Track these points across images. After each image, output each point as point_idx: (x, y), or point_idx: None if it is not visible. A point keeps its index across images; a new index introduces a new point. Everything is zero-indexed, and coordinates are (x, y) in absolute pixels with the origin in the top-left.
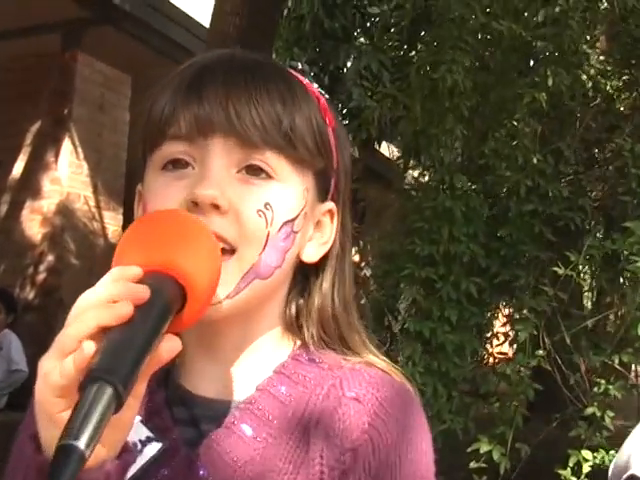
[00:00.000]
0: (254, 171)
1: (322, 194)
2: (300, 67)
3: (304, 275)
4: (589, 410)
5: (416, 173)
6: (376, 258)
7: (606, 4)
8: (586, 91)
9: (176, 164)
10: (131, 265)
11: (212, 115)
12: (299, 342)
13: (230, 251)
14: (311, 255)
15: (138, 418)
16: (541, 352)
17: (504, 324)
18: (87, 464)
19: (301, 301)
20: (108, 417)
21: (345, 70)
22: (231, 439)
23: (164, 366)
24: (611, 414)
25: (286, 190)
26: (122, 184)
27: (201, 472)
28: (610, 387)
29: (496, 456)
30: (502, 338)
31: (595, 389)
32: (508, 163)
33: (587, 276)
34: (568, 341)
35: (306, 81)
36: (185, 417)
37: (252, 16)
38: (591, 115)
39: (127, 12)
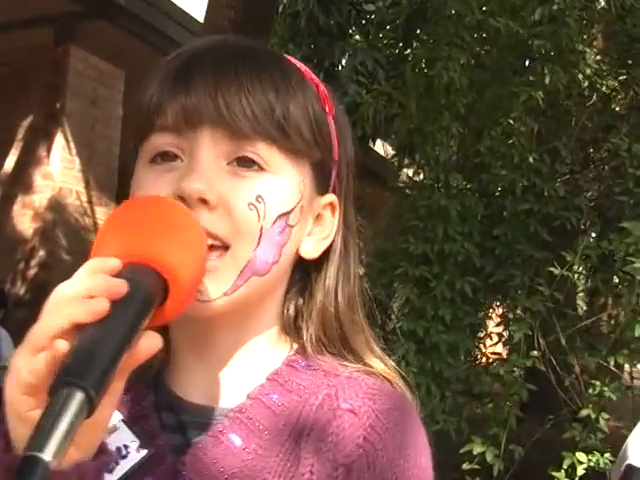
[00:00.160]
0: (245, 163)
1: (322, 186)
2: None
3: (304, 273)
4: (584, 412)
5: (411, 172)
6: (370, 256)
7: (603, 3)
8: (582, 90)
9: (164, 156)
10: (110, 256)
11: (200, 105)
12: (296, 345)
13: (223, 248)
14: (310, 250)
15: (122, 421)
16: (536, 353)
17: (498, 324)
18: (61, 466)
19: (300, 301)
20: (78, 424)
21: (340, 67)
22: (219, 449)
23: (152, 367)
24: (606, 416)
25: (279, 182)
26: (115, 179)
27: None
28: (605, 389)
29: (489, 457)
30: (496, 338)
31: (590, 390)
32: (504, 162)
33: (582, 276)
34: (563, 342)
35: (304, 68)
36: (173, 423)
37: (247, 10)
38: (587, 114)
39: (121, 6)
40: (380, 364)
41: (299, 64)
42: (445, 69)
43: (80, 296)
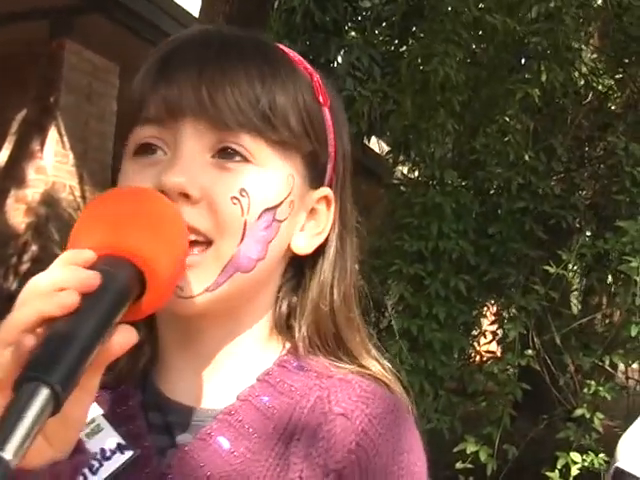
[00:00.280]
0: (228, 154)
1: (316, 179)
2: None
3: (299, 269)
4: (578, 411)
5: (405, 169)
6: (364, 253)
7: (600, 1)
8: (578, 88)
9: (147, 149)
10: (86, 247)
11: (181, 96)
12: (289, 345)
13: (206, 243)
14: (303, 246)
15: (107, 422)
16: (530, 352)
17: (492, 322)
18: (33, 464)
19: (294, 298)
20: (42, 422)
21: (335, 64)
22: (206, 452)
23: (139, 365)
24: (601, 416)
25: (265, 175)
26: (108, 175)
27: None
28: (600, 388)
29: (483, 457)
30: (490, 336)
31: (585, 390)
32: (499, 159)
33: (576, 275)
34: (558, 341)
35: (298, 57)
36: (160, 424)
37: (241, 5)
38: (583, 113)
39: (117, 1)
40: (376, 365)
41: (292, 53)
42: (441, 64)
43: (50, 289)
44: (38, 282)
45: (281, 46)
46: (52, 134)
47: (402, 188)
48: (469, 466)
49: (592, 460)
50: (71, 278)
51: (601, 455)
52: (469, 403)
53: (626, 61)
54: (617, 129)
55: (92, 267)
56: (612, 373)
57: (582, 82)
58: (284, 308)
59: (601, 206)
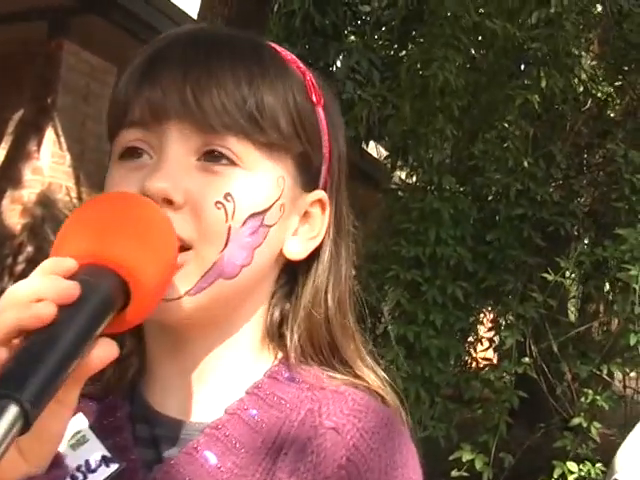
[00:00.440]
0: (213, 157)
1: (309, 182)
2: None
3: (292, 275)
4: (575, 420)
5: (403, 175)
6: (360, 258)
7: (600, 8)
8: (577, 95)
9: (133, 153)
10: (69, 255)
11: (165, 98)
12: (281, 354)
13: (187, 250)
14: (296, 251)
15: (93, 434)
16: (527, 359)
17: (489, 329)
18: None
19: (287, 305)
20: (9, 440)
21: (335, 68)
22: (192, 467)
23: (127, 376)
24: (598, 425)
25: (253, 178)
26: (105, 176)
27: None
28: (598, 397)
29: (479, 465)
30: (486, 343)
31: (582, 399)
32: (498, 165)
33: (574, 283)
34: (555, 349)
35: (290, 56)
36: (147, 436)
37: (240, 7)
38: (583, 120)
39: (115, 2)
40: (371, 374)
41: (285, 52)
42: (441, 69)
43: (27, 299)
44: (15, 292)
45: (273, 45)
46: (49, 135)
47: (400, 193)
48: (465, 474)
49: (589, 470)
50: (49, 288)
51: (598, 465)
52: (465, 410)
53: (625, 68)
54: (616, 136)
55: (74, 276)
56: (609, 382)
57: (581, 89)
58: (276, 316)
59: (600, 213)
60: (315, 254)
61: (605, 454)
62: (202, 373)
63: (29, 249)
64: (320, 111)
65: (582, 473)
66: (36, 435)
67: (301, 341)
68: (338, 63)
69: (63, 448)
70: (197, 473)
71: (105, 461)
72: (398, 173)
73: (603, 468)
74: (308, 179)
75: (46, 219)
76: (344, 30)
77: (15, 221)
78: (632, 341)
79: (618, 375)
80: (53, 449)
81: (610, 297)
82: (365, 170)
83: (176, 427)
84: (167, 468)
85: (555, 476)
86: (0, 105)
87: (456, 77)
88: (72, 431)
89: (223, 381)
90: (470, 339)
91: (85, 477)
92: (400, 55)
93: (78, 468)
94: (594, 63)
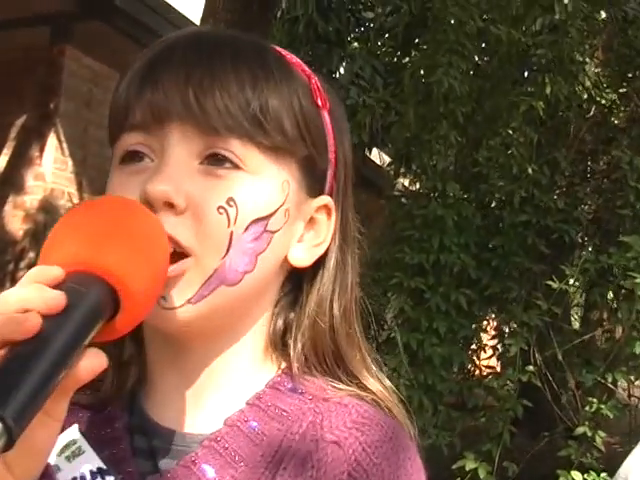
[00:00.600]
0: (217, 161)
1: (314, 187)
2: None
3: (298, 283)
4: (580, 429)
5: (407, 182)
6: (363, 266)
7: (604, 15)
8: (582, 102)
9: (134, 157)
10: (57, 262)
11: (167, 100)
12: (284, 364)
13: (187, 256)
14: (301, 258)
15: (90, 445)
16: (531, 368)
17: (493, 337)
18: None
19: (292, 314)
20: None
21: (338, 74)
22: None
23: (126, 386)
24: (602, 434)
25: (257, 183)
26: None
27: None
28: (602, 406)
29: (482, 474)
30: (490, 351)
31: (587, 408)
32: (502, 172)
33: (578, 291)
34: (560, 357)
35: (295, 60)
36: (145, 448)
37: (244, 14)
38: (587, 127)
39: (118, 7)
40: (376, 385)
41: (289, 55)
42: (446, 75)
43: (11, 310)
44: (1, 302)
45: (277, 48)
46: (51, 141)
47: (403, 200)
48: None
49: (594, 479)
50: (35, 298)
51: (603, 474)
52: (468, 418)
53: (630, 75)
54: (621, 143)
55: (61, 285)
56: (613, 390)
57: (585, 96)
58: (280, 324)
59: (604, 221)
60: (320, 261)
61: (609, 463)
62: (202, 383)
63: (31, 255)
64: (325, 115)
65: None
66: (23, 448)
67: (305, 350)
68: (341, 70)
69: (59, 460)
70: None
71: (101, 473)
72: (401, 180)
73: (608, 478)
74: (313, 184)
75: (48, 225)
76: (347, 36)
77: (17, 227)
78: (637, 349)
79: (622, 383)
80: (41, 462)
81: (614, 305)
82: (368, 177)
83: (174, 439)
84: None
85: None
86: (2, 111)
87: (460, 83)
88: (68, 442)
89: (224, 391)
90: (473, 347)
91: None
92: (403, 62)
93: None
94: (598, 70)
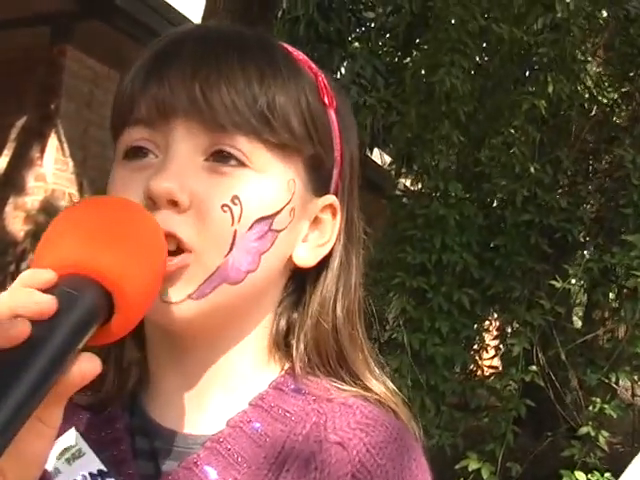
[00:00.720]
0: (222, 158)
1: (320, 186)
2: None
3: (301, 283)
4: (583, 429)
5: (408, 182)
6: (366, 266)
7: (606, 14)
8: (584, 101)
9: (138, 152)
10: (50, 264)
11: (173, 95)
12: (287, 365)
13: (190, 252)
14: (306, 258)
15: (90, 447)
16: (534, 368)
17: (495, 337)
18: None
19: (295, 314)
20: None
21: (339, 75)
22: None
23: (127, 387)
24: (606, 434)
25: (263, 181)
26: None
27: None
28: (606, 406)
29: (485, 475)
30: (492, 351)
31: (590, 408)
32: (504, 171)
33: (581, 290)
34: (563, 357)
35: (302, 57)
36: (146, 449)
37: (245, 14)
38: (589, 125)
39: (119, 8)
40: (380, 386)
41: (296, 52)
42: (448, 74)
43: (1, 316)
44: None
45: (285, 45)
46: (52, 141)
47: (405, 200)
48: None
49: (597, 479)
50: (24, 303)
51: (607, 474)
52: (471, 419)
53: (631, 74)
54: (623, 142)
55: (54, 288)
56: (619, 390)
57: (587, 95)
58: (282, 325)
59: (607, 219)
60: (324, 261)
61: (612, 463)
62: (204, 383)
63: (32, 256)
64: (332, 113)
65: None
66: (17, 457)
67: (308, 351)
68: (342, 70)
69: (58, 463)
70: None
71: (101, 475)
72: (403, 180)
73: (612, 478)
74: (319, 183)
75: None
76: (348, 36)
77: (18, 228)
78: None
79: (624, 383)
80: (37, 471)
81: (617, 304)
82: (369, 178)
83: (176, 440)
84: None
85: None
86: (3, 112)
87: (462, 82)
88: (67, 445)
89: (226, 392)
90: (475, 347)
91: None
92: (404, 62)
93: None
94: (600, 69)
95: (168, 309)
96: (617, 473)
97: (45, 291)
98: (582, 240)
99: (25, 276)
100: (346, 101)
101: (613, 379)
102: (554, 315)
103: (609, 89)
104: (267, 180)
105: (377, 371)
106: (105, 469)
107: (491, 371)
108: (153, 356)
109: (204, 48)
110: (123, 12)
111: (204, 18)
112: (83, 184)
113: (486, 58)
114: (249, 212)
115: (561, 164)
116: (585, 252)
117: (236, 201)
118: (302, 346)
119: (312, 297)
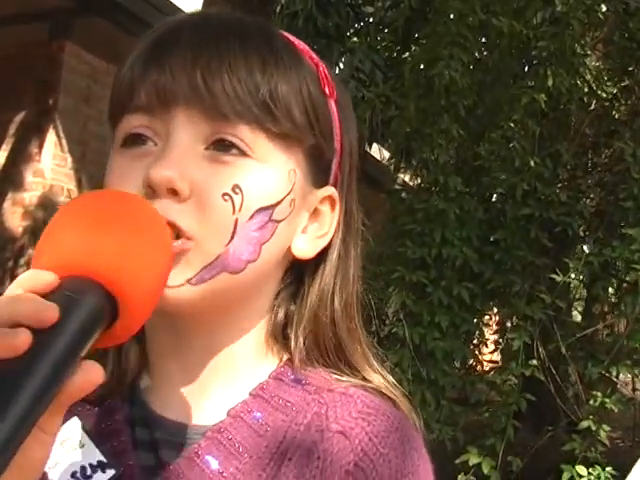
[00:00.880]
0: (223, 147)
1: (319, 178)
2: None
3: (299, 274)
4: (584, 424)
5: (407, 177)
6: (365, 259)
7: (605, 7)
8: (583, 95)
9: (136, 140)
10: (50, 265)
11: (174, 82)
12: (286, 356)
13: (189, 239)
14: (305, 249)
15: (89, 438)
16: (535, 362)
17: (495, 331)
18: None
19: (292, 306)
20: None
21: (338, 70)
22: (193, 472)
23: (126, 378)
24: (607, 428)
25: (264, 170)
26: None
27: None
28: (607, 400)
29: (486, 469)
30: (492, 346)
31: (591, 402)
32: (504, 165)
33: (581, 284)
34: (563, 351)
35: (303, 46)
36: (147, 440)
37: (243, 8)
38: (589, 119)
39: (117, 3)
40: (379, 379)
41: (297, 42)
42: (446, 68)
43: (1, 324)
44: None
45: (286, 34)
46: (50, 137)
47: (404, 194)
48: (472, 478)
49: (599, 474)
50: (24, 310)
51: (608, 468)
52: (471, 413)
53: (631, 68)
54: (623, 135)
55: (55, 291)
56: (617, 384)
57: (586, 89)
58: (280, 316)
59: (607, 213)
60: (323, 253)
61: (612, 457)
62: (204, 373)
63: (30, 252)
64: (332, 103)
65: (592, 477)
66: (16, 465)
67: (306, 343)
68: (341, 64)
69: (58, 454)
70: (198, 479)
71: (101, 466)
72: (402, 175)
73: (613, 472)
74: (319, 174)
75: (47, 222)
76: (347, 31)
77: (16, 224)
78: None
79: (624, 377)
80: (36, 475)
81: (617, 298)
82: (368, 172)
83: (177, 430)
84: (166, 474)
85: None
86: (1, 107)
87: (462, 76)
88: (67, 436)
89: (226, 382)
90: (475, 341)
91: None
92: (403, 57)
93: (73, 474)
94: (599, 63)
95: (166, 292)
96: (618, 467)
97: (46, 295)
98: (582, 234)
99: (25, 279)
100: (346, 92)
101: (614, 373)
102: (554, 309)
103: (609, 83)
104: (268, 170)
105: (376, 364)
106: (105, 460)
107: (491, 365)
108: (153, 347)
109: (204, 35)
110: (121, 8)
111: None
112: (82, 180)
113: (485, 52)
114: (250, 202)
115: (561, 158)
116: (585, 246)
117: (237, 190)
118: (301, 339)
119: (310, 289)
